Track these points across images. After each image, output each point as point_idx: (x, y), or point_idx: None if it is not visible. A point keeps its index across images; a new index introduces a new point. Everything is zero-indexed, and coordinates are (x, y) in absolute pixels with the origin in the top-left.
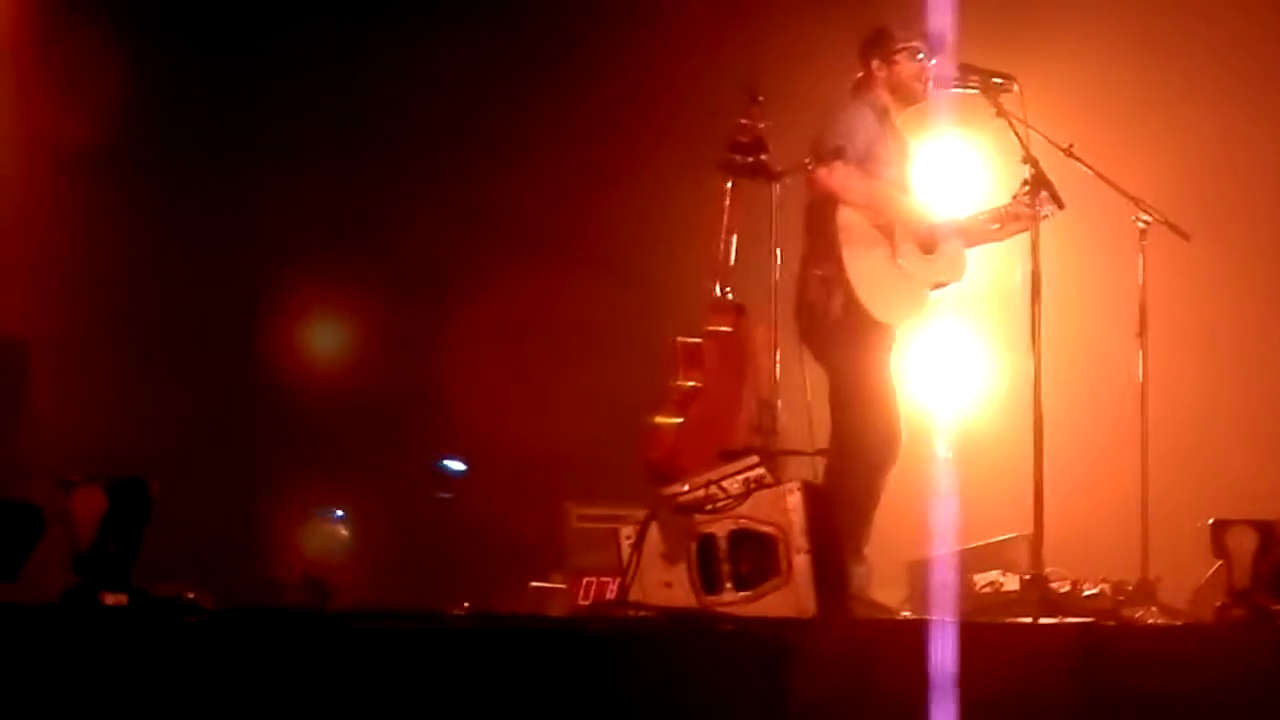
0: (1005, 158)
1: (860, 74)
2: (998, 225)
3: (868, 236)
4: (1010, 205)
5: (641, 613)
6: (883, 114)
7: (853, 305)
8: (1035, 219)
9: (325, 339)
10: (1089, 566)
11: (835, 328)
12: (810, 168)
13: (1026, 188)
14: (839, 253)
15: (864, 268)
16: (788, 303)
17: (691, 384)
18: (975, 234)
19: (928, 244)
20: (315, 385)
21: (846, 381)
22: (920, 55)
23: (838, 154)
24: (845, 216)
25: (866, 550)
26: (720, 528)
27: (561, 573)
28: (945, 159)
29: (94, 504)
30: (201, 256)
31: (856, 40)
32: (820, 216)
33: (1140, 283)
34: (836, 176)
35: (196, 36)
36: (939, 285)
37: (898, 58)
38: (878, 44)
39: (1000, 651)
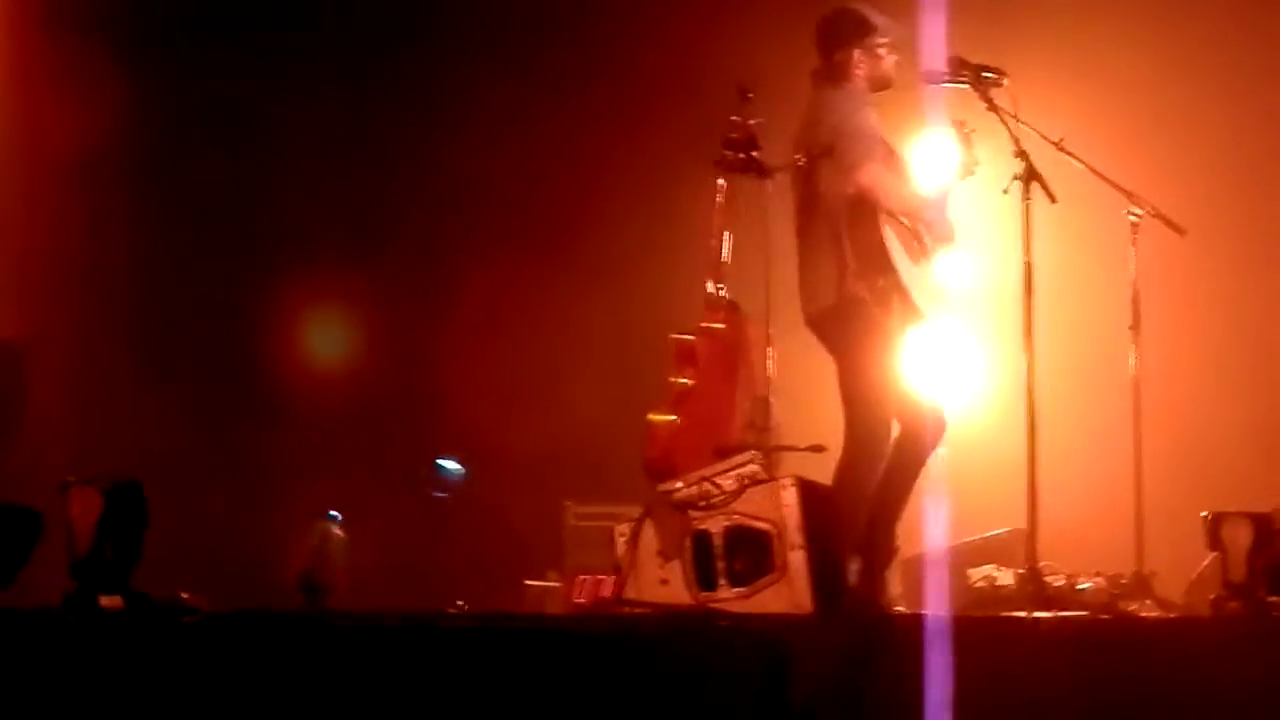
0: (996, 152)
1: (826, 62)
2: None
3: (903, 238)
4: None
5: (638, 610)
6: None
7: (908, 312)
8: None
9: (322, 342)
10: (1084, 560)
11: (886, 336)
12: (800, 162)
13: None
14: (892, 264)
15: (913, 273)
16: (782, 299)
17: (686, 381)
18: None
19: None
20: (312, 387)
21: (877, 381)
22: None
23: (827, 150)
24: (883, 222)
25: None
26: (715, 524)
27: (558, 571)
28: (935, 153)
29: (91, 506)
30: (200, 261)
31: (822, 25)
32: (863, 227)
33: (1133, 276)
34: (879, 180)
35: (191, 43)
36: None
37: (881, 51)
38: (858, 33)
39: (995, 646)
